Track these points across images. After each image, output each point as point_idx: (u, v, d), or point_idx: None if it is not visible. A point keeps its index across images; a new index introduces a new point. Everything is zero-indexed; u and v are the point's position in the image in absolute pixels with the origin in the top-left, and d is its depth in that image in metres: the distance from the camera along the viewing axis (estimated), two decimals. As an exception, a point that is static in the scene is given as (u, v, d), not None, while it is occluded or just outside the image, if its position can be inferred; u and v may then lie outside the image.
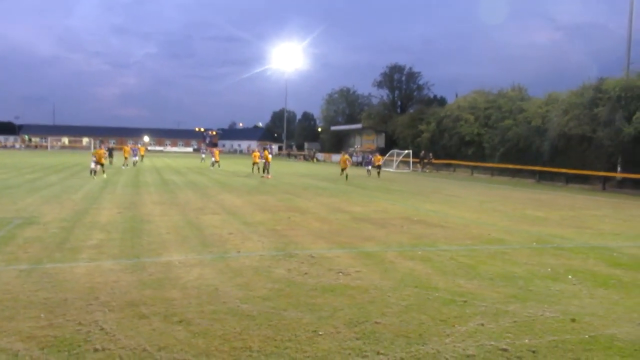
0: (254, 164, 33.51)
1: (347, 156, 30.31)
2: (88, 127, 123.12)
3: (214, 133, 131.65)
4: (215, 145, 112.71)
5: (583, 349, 4.84)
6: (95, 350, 4.50)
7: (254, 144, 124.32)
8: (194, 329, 5.04)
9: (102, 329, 4.99)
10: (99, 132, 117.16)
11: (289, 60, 78.98)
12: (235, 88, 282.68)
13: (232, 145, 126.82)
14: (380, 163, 36.92)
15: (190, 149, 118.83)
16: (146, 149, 53.60)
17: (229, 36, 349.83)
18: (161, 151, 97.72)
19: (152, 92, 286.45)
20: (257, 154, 34.14)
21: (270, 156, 30.80)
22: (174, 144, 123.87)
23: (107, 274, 7.01)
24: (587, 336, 5.18)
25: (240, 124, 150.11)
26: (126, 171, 31.70)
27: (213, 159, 40.86)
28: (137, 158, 41.67)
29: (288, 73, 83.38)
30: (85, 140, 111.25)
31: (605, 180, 30.50)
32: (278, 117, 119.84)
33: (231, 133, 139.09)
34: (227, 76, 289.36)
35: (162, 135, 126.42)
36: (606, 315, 5.91)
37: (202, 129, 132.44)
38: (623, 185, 29.85)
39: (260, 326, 5.17)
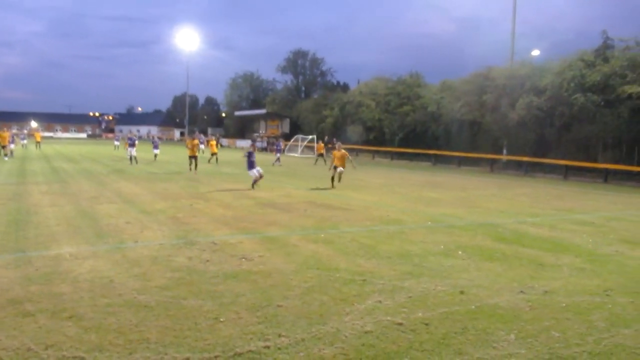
0: (191, 157, 23.44)
1: (343, 150, 18.76)
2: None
3: (111, 118, 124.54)
4: (111, 130, 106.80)
5: (470, 318, 5.21)
6: (-29, 353, 4.12)
7: (154, 129, 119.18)
8: (86, 324, 4.77)
9: (-21, 330, 4.57)
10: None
11: (190, 43, 76.29)
12: (134, 71, 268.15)
13: (130, 131, 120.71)
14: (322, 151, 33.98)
15: (84, 135, 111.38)
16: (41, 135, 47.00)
17: (125, 16, 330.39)
18: (51, 137, 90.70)
19: (39, 74, 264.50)
20: (197, 142, 24.72)
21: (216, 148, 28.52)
22: (65, 130, 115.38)
23: (-15, 271, 6.42)
24: (473, 306, 5.58)
25: (139, 109, 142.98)
26: (9, 160, 29.11)
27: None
28: (21, 143, 38.54)
29: (190, 56, 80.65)
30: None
31: (492, 162, 32.88)
32: (180, 102, 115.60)
33: (129, 118, 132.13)
34: (124, 58, 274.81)
35: (52, 120, 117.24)
36: (490, 286, 6.40)
37: (98, 114, 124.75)
38: (508, 167, 32.38)
39: (158, 317, 5.01)
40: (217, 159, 30.43)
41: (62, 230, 9.20)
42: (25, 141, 41.93)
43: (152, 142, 33.50)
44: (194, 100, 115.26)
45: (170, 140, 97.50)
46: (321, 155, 33.92)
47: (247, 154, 17.45)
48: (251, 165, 17.07)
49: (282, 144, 39.65)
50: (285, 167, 29.19)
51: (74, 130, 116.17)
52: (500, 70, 34.97)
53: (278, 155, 32.69)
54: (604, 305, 5.78)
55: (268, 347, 4.41)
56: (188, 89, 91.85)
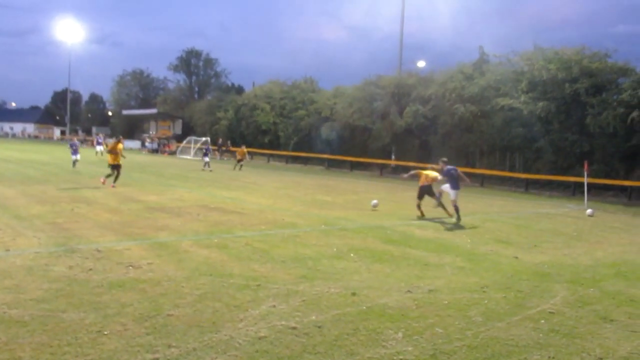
0: (113, 166, 18.04)
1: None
2: None
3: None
4: None
5: (361, 319, 5.37)
6: None
7: (30, 127, 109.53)
8: (-55, 345, 4.24)
9: None
10: None
11: (72, 36, 71.36)
12: (5, 62, 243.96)
13: (2, 128, 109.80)
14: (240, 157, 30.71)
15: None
16: None
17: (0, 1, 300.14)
18: None
19: None
20: (121, 146, 19.21)
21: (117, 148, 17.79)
22: None
23: None
24: (364, 307, 5.77)
25: (13, 104, 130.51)
26: None
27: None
28: None
29: (72, 49, 75.36)
30: None
31: (382, 167, 34.34)
32: (60, 98, 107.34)
33: (1, 114, 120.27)
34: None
35: None
36: (380, 286, 6.66)
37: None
38: (396, 171, 33.93)
39: (33, 332, 4.59)
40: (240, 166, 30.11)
41: None
42: None
43: (71, 146, 26.08)
44: (77, 97, 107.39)
45: (49, 139, 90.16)
46: (240, 160, 30.68)
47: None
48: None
49: (211, 147, 35.37)
50: (177, 169, 28.24)
51: None
52: (390, 79, 36.64)
53: (207, 159, 29.28)
54: (481, 301, 6.25)
55: (157, 358, 4.21)
56: (70, 85, 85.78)
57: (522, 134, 27.21)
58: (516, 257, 9.03)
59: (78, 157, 25.33)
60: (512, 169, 28.92)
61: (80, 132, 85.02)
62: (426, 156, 32.69)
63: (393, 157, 35.43)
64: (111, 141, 24.60)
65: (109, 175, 16.97)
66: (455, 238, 10.75)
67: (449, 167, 14.19)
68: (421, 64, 39.70)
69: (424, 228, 11.88)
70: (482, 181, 28.11)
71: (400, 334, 5.01)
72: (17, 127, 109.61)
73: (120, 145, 17.80)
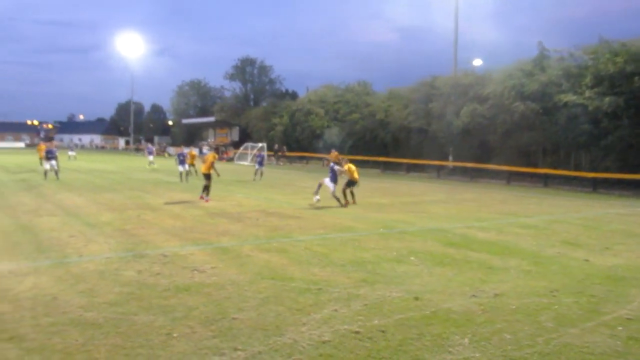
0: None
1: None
2: None
3: (51, 126, 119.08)
4: (51, 139, 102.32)
5: (425, 324, 5.27)
6: None
7: (97, 138, 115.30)
8: (29, 345, 4.50)
9: None
10: None
11: (133, 49, 74.51)
12: (74, 77, 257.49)
13: (72, 140, 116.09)
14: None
15: (21, 144, 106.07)
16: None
17: (63, 20, 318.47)
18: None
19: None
20: (194, 153, 25.92)
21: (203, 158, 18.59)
22: (1, 139, 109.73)
23: None
24: (428, 312, 5.66)
25: (81, 116, 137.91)
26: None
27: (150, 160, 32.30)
28: None
29: (133, 63, 78.74)
30: None
31: (439, 168, 33.71)
32: (124, 110, 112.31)
33: (71, 126, 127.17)
34: (64, 64, 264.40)
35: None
36: (443, 290, 6.51)
37: (36, 122, 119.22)
38: (454, 173, 33.30)
39: (108, 334, 4.80)
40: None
41: (-1, 245, 8.70)
42: None
43: (147, 150, 28.68)
44: (139, 108, 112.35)
45: (114, 149, 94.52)
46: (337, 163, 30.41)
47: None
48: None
49: (265, 153, 32.12)
50: (235, 175, 28.85)
51: (10, 139, 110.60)
52: (445, 79, 35.98)
53: (262, 168, 26.38)
54: (551, 305, 5.99)
55: (224, 361, 4.30)
56: (132, 97, 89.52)
57: (588, 130, 25.97)
58: (587, 260, 8.61)
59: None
60: (577, 167, 27.67)
61: (142, 142, 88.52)
62: (485, 156, 31.87)
63: (450, 158, 34.73)
64: (173, 150, 25.84)
65: (205, 188, 16.21)
66: (520, 240, 10.38)
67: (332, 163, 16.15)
68: (477, 62, 38.77)
69: (486, 230, 11.54)
70: (546, 181, 27.08)
71: (466, 340, 4.87)
72: (85, 138, 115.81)
73: (212, 156, 17.37)
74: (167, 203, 15.15)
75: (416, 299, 6.12)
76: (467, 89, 33.31)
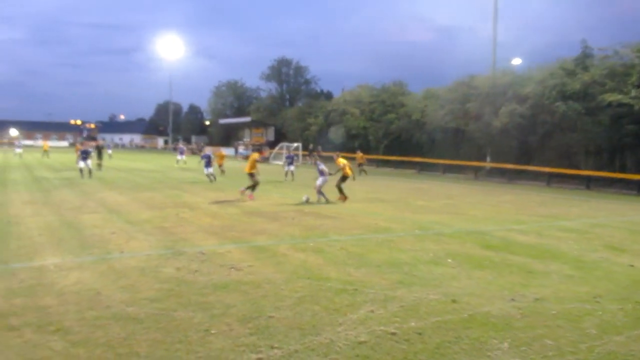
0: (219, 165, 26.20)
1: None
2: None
3: (93, 126, 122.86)
4: (94, 139, 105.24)
5: (463, 327, 5.19)
6: (-46, 371, 3.99)
7: (137, 138, 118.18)
8: (73, 338, 4.65)
9: (-38, 346, 4.43)
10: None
11: (173, 51, 76.04)
12: (115, 78, 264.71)
13: (112, 139, 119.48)
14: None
15: (65, 143, 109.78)
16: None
17: (106, 23, 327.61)
18: (31, 146, 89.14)
19: (19, 81, 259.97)
20: (223, 153, 27.45)
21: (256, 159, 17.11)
22: (47, 138, 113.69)
23: (-33, 284, 6.25)
24: (466, 315, 5.57)
25: (122, 116, 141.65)
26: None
27: (181, 159, 32.16)
28: (16, 152, 39.47)
29: (172, 64, 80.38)
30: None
31: (477, 169, 33.16)
32: (163, 110, 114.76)
33: (112, 126, 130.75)
34: (106, 65, 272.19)
35: (32, 128, 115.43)
36: (482, 294, 6.40)
37: (79, 122, 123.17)
38: (492, 174, 32.68)
39: (148, 329, 4.91)
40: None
41: (45, 241, 9.01)
42: (20, 150, 42.35)
43: (178, 150, 28.33)
44: (178, 109, 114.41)
45: (153, 149, 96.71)
46: (361, 165, 30.98)
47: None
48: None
49: (300, 153, 31.17)
50: (271, 175, 29.07)
51: (55, 139, 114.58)
52: (483, 78, 35.39)
53: (292, 168, 25.67)
54: (594, 312, 5.81)
55: (261, 359, 4.34)
56: (171, 97, 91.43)
57: (634, 131, 25.10)
58: (632, 266, 8.32)
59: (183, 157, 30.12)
60: (622, 169, 26.77)
61: (180, 141, 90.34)
62: (524, 157, 31.18)
63: (488, 159, 34.10)
64: (210, 149, 26.25)
65: (249, 187, 16.45)
66: (561, 244, 10.10)
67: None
68: (516, 61, 37.92)
69: (526, 233, 11.28)
70: (588, 183, 26.26)
71: (506, 344, 4.78)
72: (126, 137, 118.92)
73: (254, 156, 17.37)
74: (204, 202, 15.40)
75: (454, 301, 6.04)
76: (506, 88, 32.68)
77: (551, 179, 27.96)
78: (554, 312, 5.76)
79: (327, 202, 15.96)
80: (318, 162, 17.06)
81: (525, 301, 6.14)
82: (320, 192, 16.18)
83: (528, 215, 14.71)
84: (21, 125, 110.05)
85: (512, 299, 6.20)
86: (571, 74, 29.07)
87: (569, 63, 30.06)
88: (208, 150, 25.41)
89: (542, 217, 14.26)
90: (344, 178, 16.90)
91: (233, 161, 46.59)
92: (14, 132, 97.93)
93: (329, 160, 21.77)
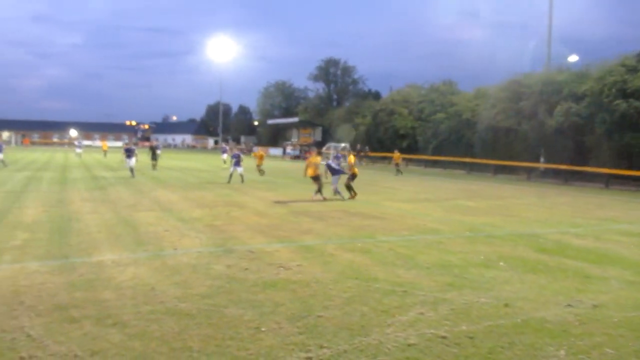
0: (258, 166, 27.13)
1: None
2: (8, 121, 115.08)
3: (147, 127, 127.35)
4: (147, 139, 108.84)
5: (516, 333, 5.04)
6: (22, 358, 4.21)
7: (188, 138, 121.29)
8: (130, 331, 4.82)
9: (28, 335, 4.67)
10: (21, 126, 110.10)
11: (223, 53, 77.53)
12: (168, 80, 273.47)
13: (165, 140, 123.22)
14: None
15: (120, 143, 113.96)
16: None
17: (160, 27, 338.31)
18: (90, 146, 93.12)
19: (78, 84, 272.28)
20: (262, 153, 27.69)
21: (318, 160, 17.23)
22: (104, 138, 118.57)
23: (32, 276, 6.59)
24: (519, 320, 5.41)
25: (174, 117, 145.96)
26: (52, 167, 30.03)
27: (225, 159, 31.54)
28: (77, 152, 43.13)
29: (223, 66, 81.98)
30: (5, 134, 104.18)
31: (530, 170, 32.12)
32: (213, 111, 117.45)
33: (165, 127, 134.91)
34: (159, 68, 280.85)
35: (91, 129, 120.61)
36: (536, 299, 6.20)
37: (134, 123, 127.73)
38: (546, 175, 31.55)
39: (200, 325, 5.03)
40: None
41: (103, 237, 9.39)
42: (80, 150, 44.70)
43: (221, 149, 26.48)
44: (227, 109, 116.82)
45: (204, 149, 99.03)
46: (397, 164, 32.04)
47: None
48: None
49: (340, 153, 28.76)
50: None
51: (112, 139, 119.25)
52: (537, 76, 34.24)
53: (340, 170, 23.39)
54: (659, 321, 5.52)
55: (310, 358, 4.36)
56: (221, 98, 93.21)
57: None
58: (700, 273, 7.84)
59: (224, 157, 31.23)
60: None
61: (230, 141, 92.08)
62: (581, 158, 29.98)
63: (542, 159, 32.95)
64: (257, 149, 26.61)
65: (318, 190, 16.33)
66: (621, 248, 9.65)
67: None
68: (573, 58, 36.48)
69: (582, 237, 10.84)
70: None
71: (562, 352, 4.60)
72: (178, 138, 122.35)
73: (313, 159, 17.16)
74: (253, 201, 15.63)
75: (506, 305, 5.87)
76: (562, 86, 31.50)
77: (610, 181, 26.73)
78: (614, 319, 5.51)
79: (343, 199, 16.34)
80: (329, 161, 17.72)
81: (582, 307, 5.90)
82: (337, 191, 16.54)
83: (585, 217, 14.14)
84: (80, 126, 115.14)
85: (569, 305, 5.97)
86: (633, 70, 27.70)
87: (631, 59, 28.66)
88: (236, 149, 25.31)
89: (600, 220, 13.68)
90: (354, 176, 17.25)
91: (280, 161, 47.12)
92: (73, 132, 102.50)
93: (377, 160, 21.60)
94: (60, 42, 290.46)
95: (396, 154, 33.01)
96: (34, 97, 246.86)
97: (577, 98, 29.99)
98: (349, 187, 16.80)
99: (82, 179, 22.07)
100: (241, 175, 22.16)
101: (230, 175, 22.03)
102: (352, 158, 17.92)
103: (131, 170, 23.72)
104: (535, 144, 33.13)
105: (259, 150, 29.11)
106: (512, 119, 34.34)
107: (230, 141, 76.13)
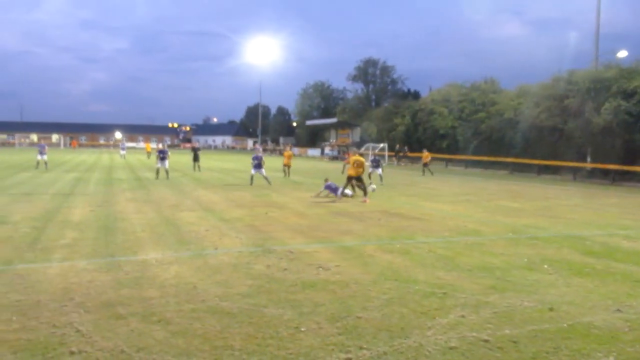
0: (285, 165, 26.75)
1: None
2: (57, 124, 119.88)
3: (188, 129, 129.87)
4: (189, 140, 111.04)
5: (562, 338, 4.90)
6: (71, 353, 4.37)
7: (228, 139, 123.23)
8: (173, 329, 4.94)
9: (77, 330, 4.85)
10: (69, 129, 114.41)
11: (262, 55, 78.45)
12: (209, 83, 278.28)
13: (206, 141, 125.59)
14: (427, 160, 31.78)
15: (161, 145, 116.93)
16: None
17: (201, 31, 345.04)
18: (134, 147, 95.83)
19: (123, 88, 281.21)
20: (290, 153, 27.43)
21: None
22: (147, 140, 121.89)
23: (81, 274, 6.83)
24: (565, 325, 5.26)
25: (215, 119, 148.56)
26: (98, 169, 31.07)
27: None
28: (121, 154, 42.80)
29: (262, 68, 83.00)
30: (55, 137, 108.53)
31: (575, 170, 31.15)
32: (253, 112, 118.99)
33: (205, 128, 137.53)
34: (200, 71, 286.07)
35: (135, 131, 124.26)
36: (582, 303, 6.01)
37: (176, 125, 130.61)
38: (593, 175, 30.53)
39: (241, 324, 5.10)
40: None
41: (147, 236, 9.65)
42: (124, 152, 46.59)
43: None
44: (266, 111, 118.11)
45: (243, 150, 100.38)
46: (426, 164, 31.80)
47: None
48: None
49: (378, 156, 28.91)
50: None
51: (155, 141, 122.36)
52: (584, 73, 33.18)
53: (379, 171, 23.67)
54: None
55: (350, 359, 4.35)
56: (260, 100, 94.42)
57: None
58: None
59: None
60: None
61: (269, 143, 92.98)
62: (630, 157, 28.86)
63: (589, 159, 31.88)
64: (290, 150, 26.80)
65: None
66: (674, 252, 9.22)
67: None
68: (622, 54, 35.12)
69: (632, 239, 10.43)
70: None
71: (611, 358, 4.45)
72: (218, 139, 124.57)
73: (353, 158, 17.20)
74: (291, 201, 15.74)
75: (551, 309, 5.71)
76: (610, 83, 30.42)
77: (662, 181, 25.66)
78: (667, 326, 5.28)
79: (352, 196, 16.72)
80: (329, 182, 17.39)
81: (633, 313, 5.68)
82: (343, 194, 16.55)
83: (634, 219, 13.60)
84: (124, 128, 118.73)
85: (618, 310, 5.76)
86: (687, 65, 26.53)
87: (684, 54, 27.44)
88: (259, 151, 24.44)
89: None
90: (354, 178, 16.96)
91: (318, 162, 47.25)
92: (118, 134, 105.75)
93: (417, 160, 21.35)
94: (107, 47, 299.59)
95: (425, 154, 32.55)
96: (81, 100, 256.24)
97: (627, 95, 28.92)
98: (354, 187, 16.95)
99: (127, 180, 22.74)
100: (166, 172, 23.37)
101: (157, 171, 23.44)
102: (351, 159, 17.40)
103: (166, 172, 23.50)
104: (582, 143, 32.12)
105: (286, 150, 29.35)
106: (557, 118, 33.39)
107: (269, 142, 76.90)
